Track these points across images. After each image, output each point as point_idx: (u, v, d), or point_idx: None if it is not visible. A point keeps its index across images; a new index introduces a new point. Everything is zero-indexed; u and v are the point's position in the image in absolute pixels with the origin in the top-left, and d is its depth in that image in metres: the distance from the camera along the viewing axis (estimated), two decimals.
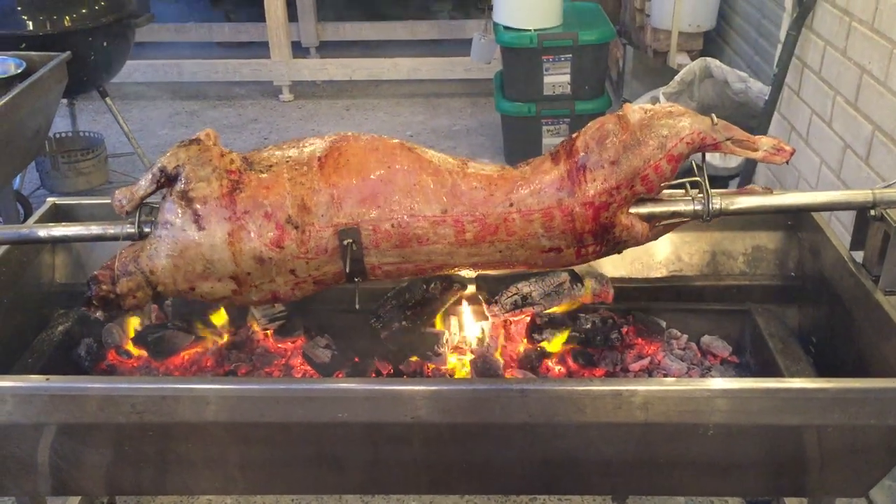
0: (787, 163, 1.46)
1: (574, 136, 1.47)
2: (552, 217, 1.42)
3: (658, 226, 1.50)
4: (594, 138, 1.42)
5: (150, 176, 1.43)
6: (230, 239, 1.40)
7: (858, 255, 1.68)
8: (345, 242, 1.41)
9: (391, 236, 1.42)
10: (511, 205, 1.42)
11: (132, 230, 1.47)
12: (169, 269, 1.43)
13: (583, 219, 1.41)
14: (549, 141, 4.35)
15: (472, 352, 1.80)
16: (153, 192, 1.44)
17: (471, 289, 1.85)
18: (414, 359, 1.79)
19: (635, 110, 1.44)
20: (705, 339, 1.90)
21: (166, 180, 1.42)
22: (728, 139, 1.42)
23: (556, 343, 1.81)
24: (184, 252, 1.41)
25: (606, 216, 1.41)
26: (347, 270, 1.44)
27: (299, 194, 1.40)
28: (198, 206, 1.40)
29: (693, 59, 4.36)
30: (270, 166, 1.44)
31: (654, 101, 3.96)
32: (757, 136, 1.46)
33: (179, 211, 1.40)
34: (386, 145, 1.46)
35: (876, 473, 1.53)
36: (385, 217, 1.41)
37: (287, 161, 1.44)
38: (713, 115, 1.44)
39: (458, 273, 1.84)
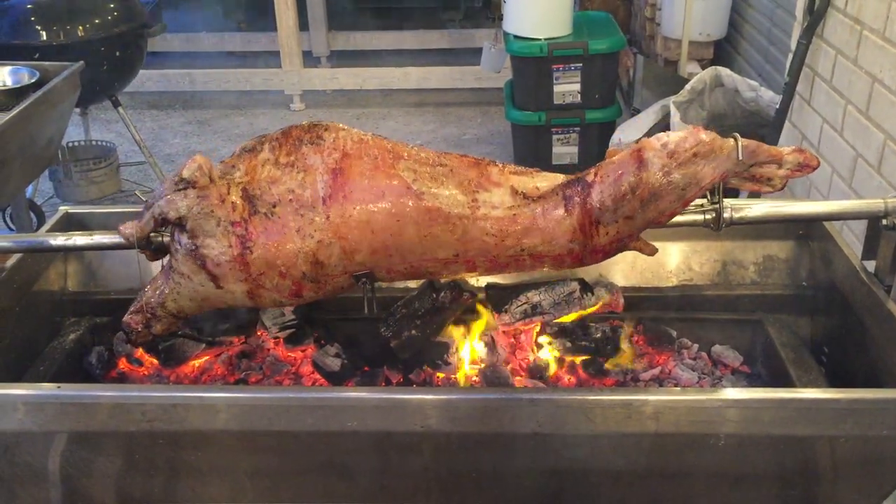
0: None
1: (589, 179, 1.40)
2: (563, 261, 1.46)
3: None
4: (610, 195, 1.37)
5: (150, 216, 1.43)
6: (249, 293, 1.45)
7: (870, 265, 1.67)
8: (360, 283, 1.48)
9: (404, 273, 1.48)
10: (522, 250, 1.43)
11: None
12: (195, 307, 1.51)
13: (592, 258, 1.45)
14: (559, 150, 4.35)
15: (481, 361, 1.80)
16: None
17: (480, 298, 1.85)
18: (424, 368, 1.79)
19: (657, 154, 1.35)
20: (716, 348, 1.89)
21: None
22: (752, 165, 1.41)
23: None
24: (206, 298, 1.48)
25: (616, 248, 1.44)
26: (366, 310, 1.52)
27: (311, 250, 1.40)
28: (211, 268, 1.42)
29: (704, 67, 4.36)
30: (274, 206, 1.40)
31: (665, 109, 3.95)
32: (781, 150, 1.42)
33: (194, 268, 1.42)
34: (392, 192, 1.39)
35: (889, 485, 1.52)
36: (397, 262, 1.45)
37: (290, 199, 1.40)
38: (737, 138, 1.37)
39: (468, 282, 1.84)
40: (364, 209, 1.38)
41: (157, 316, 1.51)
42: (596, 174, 1.40)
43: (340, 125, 1.46)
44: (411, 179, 1.39)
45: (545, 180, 1.43)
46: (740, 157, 1.37)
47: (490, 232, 1.40)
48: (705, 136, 1.37)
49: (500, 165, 1.46)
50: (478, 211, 1.40)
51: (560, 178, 1.44)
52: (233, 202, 1.40)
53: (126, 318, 1.53)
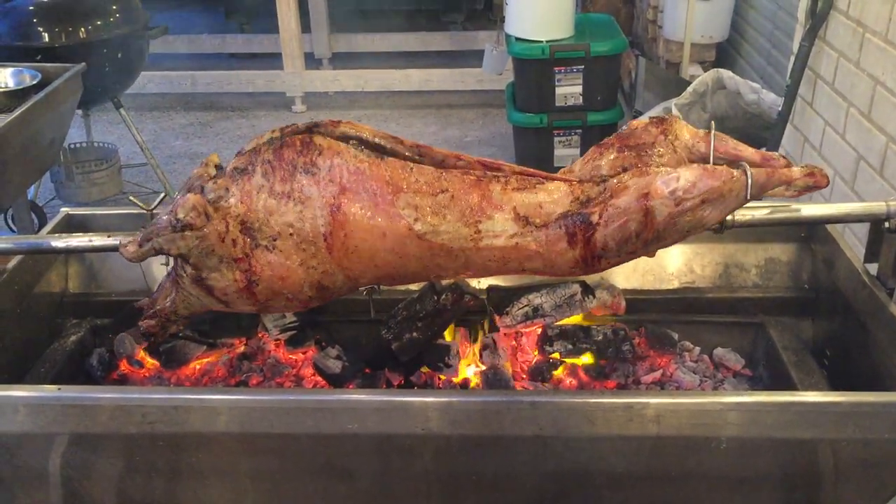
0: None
1: (593, 219, 1.36)
2: (564, 279, 1.51)
3: None
4: (614, 239, 1.36)
5: (150, 247, 1.42)
6: (258, 310, 1.51)
7: (873, 268, 1.67)
8: (364, 294, 1.54)
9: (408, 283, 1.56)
10: (524, 270, 1.45)
11: None
12: (206, 309, 1.53)
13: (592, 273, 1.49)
14: (561, 152, 4.35)
15: (482, 363, 1.80)
16: None
17: (481, 300, 1.85)
18: (425, 370, 1.79)
19: (664, 203, 1.33)
20: (718, 351, 1.88)
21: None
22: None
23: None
24: (216, 308, 1.51)
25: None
26: (372, 314, 1.62)
27: (315, 279, 1.41)
28: (219, 296, 1.44)
29: (706, 70, 4.36)
30: (274, 240, 1.39)
31: (667, 112, 3.95)
32: (792, 172, 1.41)
33: (202, 293, 1.45)
34: (393, 232, 1.37)
35: (891, 488, 1.51)
36: (401, 281, 1.50)
37: (290, 234, 1.38)
38: (747, 173, 1.34)
39: (469, 284, 1.84)
40: (366, 247, 1.39)
41: (172, 320, 1.54)
42: (600, 216, 1.36)
43: (336, 144, 1.39)
44: (412, 219, 1.37)
45: (548, 194, 1.40)
46: (749, 197, 1.36)
47: (492, 258, 1.42)
48: (716, 181, 1.33)
49: (503, 180, 1.40)
50: (480, 242, 1.39)
51: (563, 188, 1.40)
52: (233, 239, 1.39)
53: (142, 323, 1.55)
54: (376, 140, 1.43)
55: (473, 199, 1.39)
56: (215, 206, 1.38)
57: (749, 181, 1.35)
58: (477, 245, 1.40)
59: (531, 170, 1.46)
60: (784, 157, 1.46)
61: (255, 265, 1.40)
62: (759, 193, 1.39)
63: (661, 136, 1.43)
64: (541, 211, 1.39)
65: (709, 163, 1.41)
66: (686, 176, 1.33)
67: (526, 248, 1.39)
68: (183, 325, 1.59)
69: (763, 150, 1.50)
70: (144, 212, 1.63)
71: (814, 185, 1.42)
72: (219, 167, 1.48)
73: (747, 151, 1.45)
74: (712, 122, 1.48)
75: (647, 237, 1.36)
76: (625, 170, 1.40)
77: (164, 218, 1.38)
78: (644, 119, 1.48)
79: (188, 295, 1.47)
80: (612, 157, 1.44)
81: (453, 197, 1.38)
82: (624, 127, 1.50)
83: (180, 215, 1.36)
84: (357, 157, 1.38)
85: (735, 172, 1.35)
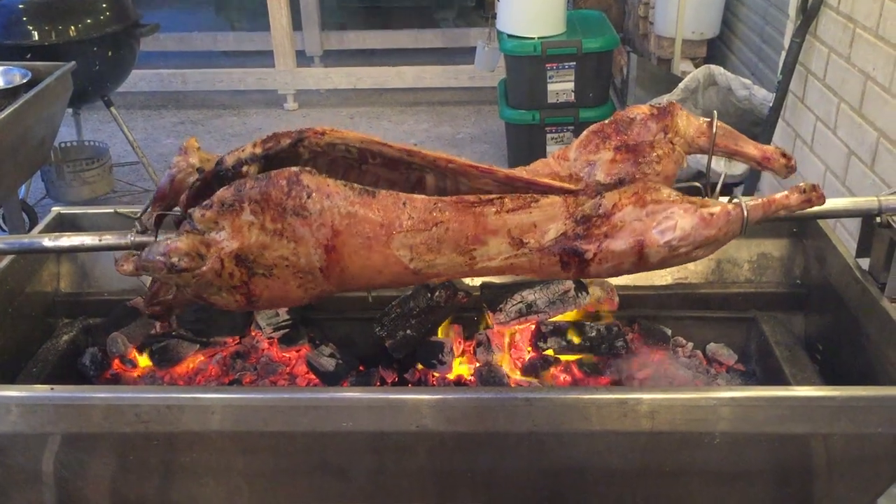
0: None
1: (588, 256, 1.37)
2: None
3: None
4: (608, 272, 1.40)
5: (148, 277, 1.45)
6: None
7: (864, 263, 1.68)
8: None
9: None
10: (517, 276, 1.49)
11: (139, 240, 1.48)
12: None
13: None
14: (554, 148, 4.35)
15: (476, 360, 1.80)
16: None
17: (475, 297, 1.85)
18: (419, 367, 1.79)
19: (658, 251, 1.35)
20: (711, 346, 1.89)
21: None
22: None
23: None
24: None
25: None
26: (370, 299, 1.59)
27: (315, 294, 1.44)
28: (221, 308, 1.46)
29: (697, 66, 4.37)
30: (271, 269, 1.39)
31: None
32: (790, 198, 1.41)
33: (205, 305, 1.47)
34: (390, 268, 1.38)
35: (883, 482, 1.52)
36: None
37: (286, 265, 1.39)
38: (744, 211, 1.36)
39: (463, 281, 1.84)
40: (363, 277, 1.40)
41: (174, 306, 1.54)
42: (594, 255, 1.37)
43: (325, 184, 1.34)
44: (408, 259, 1.37)
45: (542, 212, 1.38)
46: (743, 233, 1.39)
47: (486, 273, 1.45)
48: (712, 230, 1.34)
49: (498, 203, 1.38)
50: (475, 266, 1.41)
51: (557, 205, 1.38)
52: (230, 273, 1.38)
53: (147, 310, 1.55)
54: (363, 146, 1.42)
55: (468, 227, 1.38)
56: (206, 242, 1.36)
57: (745, 221, 1.37)
58: (472, 268, 1.42)
59: (524, 176, 1.43)
60: (785, 154, 1.45)
61: (253, 289, 1.41)
62: (756, 225, 1.41)
63: (661, 132, 1.42)
64: (535, 231, 1.39)
65: (708, 154, 1.42)
66: (682, 225, 1.33)
67: (520, 266, 1.42)
68: (188, 306, 1.63)
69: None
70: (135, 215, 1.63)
71: (813, 202, 1.42)
72: (201, 166, 1.46)
73: (748, 147, 1.44)
74: (714, 113, 1.46)
75: (639, 270, 1.41)
76: (621, 181, 1.40)
77: (160, 258, 1.36)
78: (645, 107, 1.45)
79: (190, 300, 1.48)
80: (608, 156, 1.42)
81: (448, 229, 1.37)
82: (624, 110, 1.47)
83: (174, 260, 1.34)
84: (348, 199, 1.34)
85: (732, 212, 1.36)
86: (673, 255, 1.36)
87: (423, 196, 1.37)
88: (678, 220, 1.33)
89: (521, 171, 1.46)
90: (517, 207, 1.38)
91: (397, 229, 1.36)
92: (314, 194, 1.34)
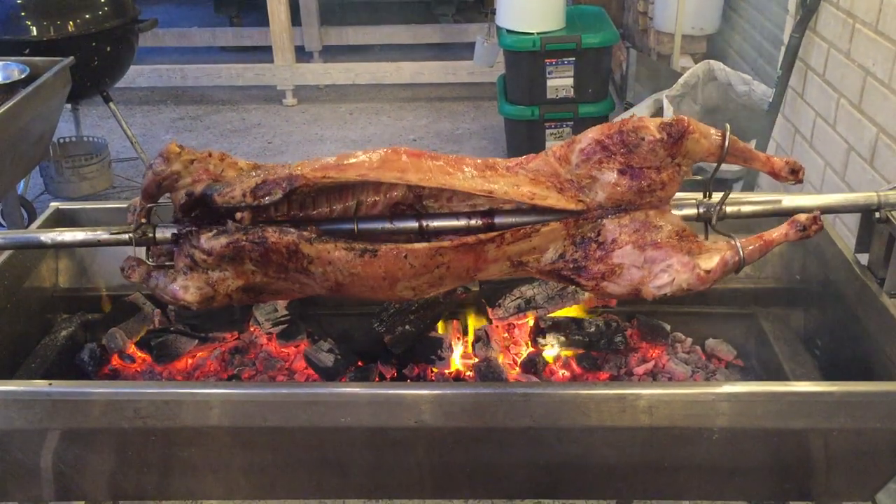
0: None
1: (586, 290, 1.46)
2: None
3: None
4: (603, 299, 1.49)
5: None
6: None
7: (863, 258, 1.67)
8: None
9: None
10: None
11: (139, 235, 1.48)
12: None
13: None
14: (553, 144, 4.34)
15: (475, 356, 1.80)
16: None
17: (474, 292, 1.85)
18: (417, 362, 1.79)
19: (652, 295, 1.40)
20: (710, 342, 1.89)
21: None
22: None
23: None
24: None
25: None
26: None
27: (325, 293, 1.49)
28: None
29: (696, 61, 4.36)
30: (278, 292, 1.51)
31: (658, 103, 3.95)
32: (787, 231, 1.44)
33: None
34: (390, 296, 1.44)
35: (882, 477, 1.52)
36: None
37: (294, 292, 1.50)
38: (739, 252, 1.40)
39: None
40: (368, 300, 1.49)
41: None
42: (593, 289, 1.44)
43: (324, 250, 1.36)
44: (411, 294, 1.43)
45: (543, 238, 1.39)
46: (736, 274, 1.43)
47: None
48: (705, 284, 1.39)
49: (498, 240, 1.38)
50: (476, 276, 1.46)
51: (558, 231, 1.39)
52: (238, 298, 1.46)
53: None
54: (361, 179, 1.38)
55: (469, 262, 1.41)
56: (212, 281, 1.42)
57: (741, 265, 1.41)
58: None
59: (526, 199, 1.38)
60: (793, 169, 1.44)
61: (264, 297, 1.50)
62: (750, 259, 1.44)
63: (669, 157, 1.37)
64: (535, 252, 1.41)
65: (720, 159, 1.41)
66: (679, 282, 1.39)
67: (520, 275, 1.48)
68: None
69: (754, 142, 1.50)
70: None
71: (810, 237, 1.46)
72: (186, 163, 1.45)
73: (756, 162, 1.43)
74: (727, 127, 1.39)
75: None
76: (622, 208, 1.39)
77: (170, 298, 1.44)
78: (654, 128, 1.36)
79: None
80: (611, 177, 1.37)
81: (449, 267, 1.40)
82: (629, 118, 1.39)
83: (183, 303, 1.42)
84: (349, 263, 1.37)
85: (729, 263, 1.39)
86: (665, 298, 1.42)
87: (423, 245, 1.38)
88: (675, 276, 1.38)
89: (523, 178, 1.41)
90: (517, 239, 1.40)
91: (400, 278, 1.39)
92: (315, 261, 1.37)
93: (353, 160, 1.38)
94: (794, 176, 1.43)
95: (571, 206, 1.38)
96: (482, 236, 1.38)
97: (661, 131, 1.35)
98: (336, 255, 1.37)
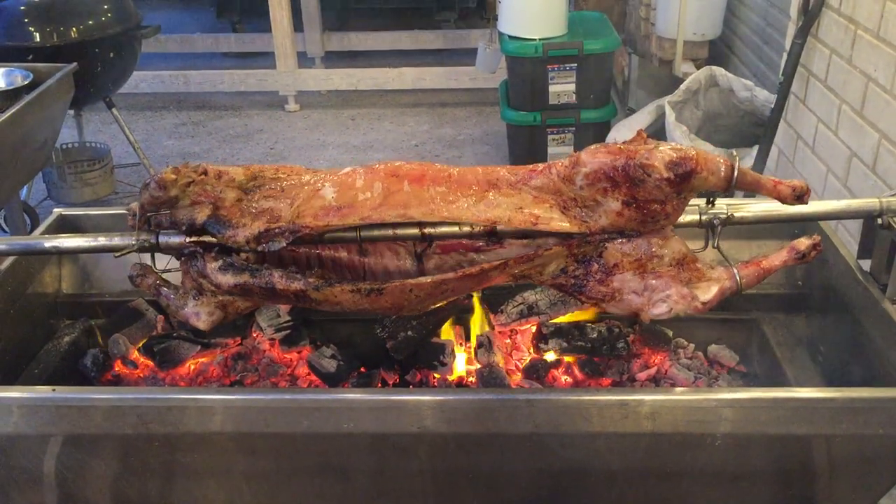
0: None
1: (587, 303, 1.49)
2: None
3: None
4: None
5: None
6: None
7: (866, 264, 1.67)
8: None
9: None
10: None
11: (142, 241, 1.48)
12: None
13: None
14: (555, 150, 4.35)
15: (477, 361, 1.80)
16: None
17: (477, 298, 1.85)
18: (420, 368, 1.79)
19: (655, 318, 1.43)
20: (712, 348, 1.89)
21: None
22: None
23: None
24: None
25: None
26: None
27: None
28: None
29: (698, 67, 4.36)
30: None
31: (660, 109, 3.96)
32: (784, 257, 1.45)
33: None
34: (387, 310, 1.47)
35: (885, 483, 1.52)
36: None
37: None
38: (736, 278, 1.42)
39: None
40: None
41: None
42: (592, 306, 1.51)
43: (332, 294, 1.40)
44: (416, 312, 1.52)
45: (546, 258, 1.40)
46: (738, 291, 1.44)
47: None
48: (704, 311, 1.42)
49: (501, 267, 1.39)
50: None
51: (560, 253, 1.39)
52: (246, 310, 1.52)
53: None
54: (365, 221, 1.38)
55: (473, 284, 1.45)
56: (223, 303, 1.47)
57: (738, 291, 1.43)
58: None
59: (530, 226, 1.37)
60: (800, 196, 1.42)
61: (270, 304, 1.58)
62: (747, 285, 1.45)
63: (674, 193, 1.34)
64: (537, 268, 1.43)
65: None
66: (677, 311, 1.41)
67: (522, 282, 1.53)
68: None
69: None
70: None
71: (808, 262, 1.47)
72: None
73: (763, 189, 1.41)
74: (736, 159, 1.36)
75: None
76: (625, 236, 1.39)
77: (182, 319, 1.48)
78: (662, 168, 1.32)
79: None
80: (616, 206, 1.36)
81: (453, 290, 1.44)
82: (636, 148, 1.35)
83: (199, 328, 1.48)
84: (357, 302, 1.40)
85: (727, 291, 1.41)
86: (676, 314, 1.44)
87: (428, 279, 1.40)
88: (673, 306, 1.41)
89: (526, 197, 1.40)
90: (520, 263, 1.41)
91: (406, 306, 1.43)
92: (324, 303, 1.42)
93: (353, 199, 1.38)
94: (799, 201, 1.42)
95: (574, 229, 1.38)
96: (485, 265, 1.39)
97: (668, 170, 1.32)
98: (343, 298, 1.40)
